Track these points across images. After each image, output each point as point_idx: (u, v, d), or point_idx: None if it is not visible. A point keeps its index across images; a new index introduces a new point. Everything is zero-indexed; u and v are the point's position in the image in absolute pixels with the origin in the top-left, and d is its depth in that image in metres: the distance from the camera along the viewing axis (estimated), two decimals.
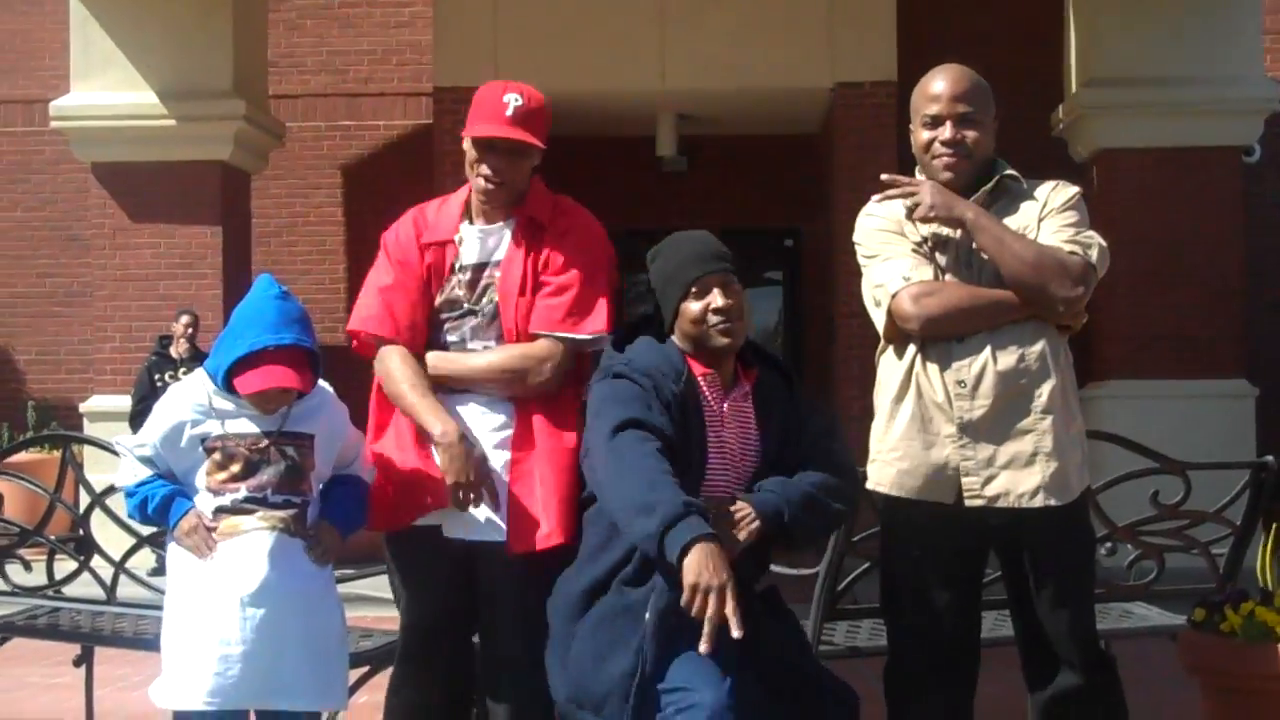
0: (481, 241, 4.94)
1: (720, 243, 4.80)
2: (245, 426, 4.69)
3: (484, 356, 4.85)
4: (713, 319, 4.65)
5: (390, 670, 5.19)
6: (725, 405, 4.70)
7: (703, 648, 4.15)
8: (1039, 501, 4.62)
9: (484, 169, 4.85)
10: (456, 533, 4.84)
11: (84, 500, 6.60)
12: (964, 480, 4.67)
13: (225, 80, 12.71)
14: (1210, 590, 5.76)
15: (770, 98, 14.56)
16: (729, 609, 4.15)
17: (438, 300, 4.93)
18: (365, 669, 5.88)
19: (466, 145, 4.90)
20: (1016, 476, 4.64)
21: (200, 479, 4.69)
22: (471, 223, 4.98)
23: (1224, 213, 12.46)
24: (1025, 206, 4.83)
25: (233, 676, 4.56)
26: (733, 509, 4.52)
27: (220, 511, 4.65)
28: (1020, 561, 4.77)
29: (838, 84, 14.26)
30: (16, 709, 7.81)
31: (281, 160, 15.29)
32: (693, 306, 4.67)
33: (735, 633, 4.15)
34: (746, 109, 15.00)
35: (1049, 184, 4.92)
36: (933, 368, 4.69)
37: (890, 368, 4.83)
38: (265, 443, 4.69)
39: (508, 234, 4.93)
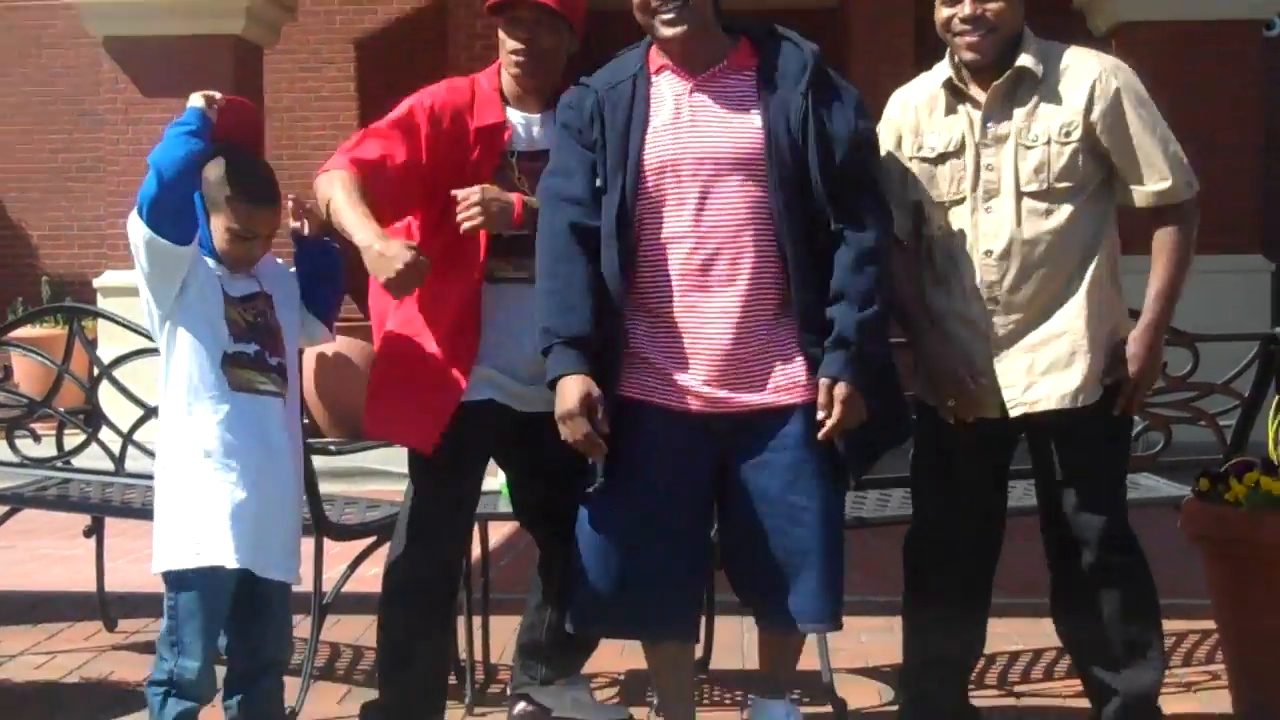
0: (533, 128, 4.81)
1: None
2: (242, 288, 4.63)
3: None
4: (653, 4, 4.42)
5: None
6: (689, 95, 4.45)
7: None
8: (1081, 401, 4.61)
9: (509, 43, 4.74)
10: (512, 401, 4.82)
11: (94, 373, 6.62)
12: (1005, 391, 4.66)
13: None
14: (1217, 461, 5.75)
15: None
16: (581, 434, 4.32)
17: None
18: (372, 539, 5.90)
19: (500, 33, 4.79)
20: (1056, 380, 4.62)
21: (219, 317, 4.51)
22: (512, 107, 4.83)
23: (1244, 86, 12.33)
24: (1063, 97, 4.61)
25: (239, 538, 4.51)
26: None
27: (236, 359, 4.58)
28: (1051, 450, 4.74)
29: None
30: (30, 580, 7.89)
31: (293, 35, 15.16)
32: None
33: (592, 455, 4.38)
34: None
35: (1082, 63, 4.67)
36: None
37: None
38: (261, 303, 4.65)
39: (549, 126, 4.77)
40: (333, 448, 7.47)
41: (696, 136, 4.40)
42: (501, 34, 4.78)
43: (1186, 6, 12.13)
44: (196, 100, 4.49)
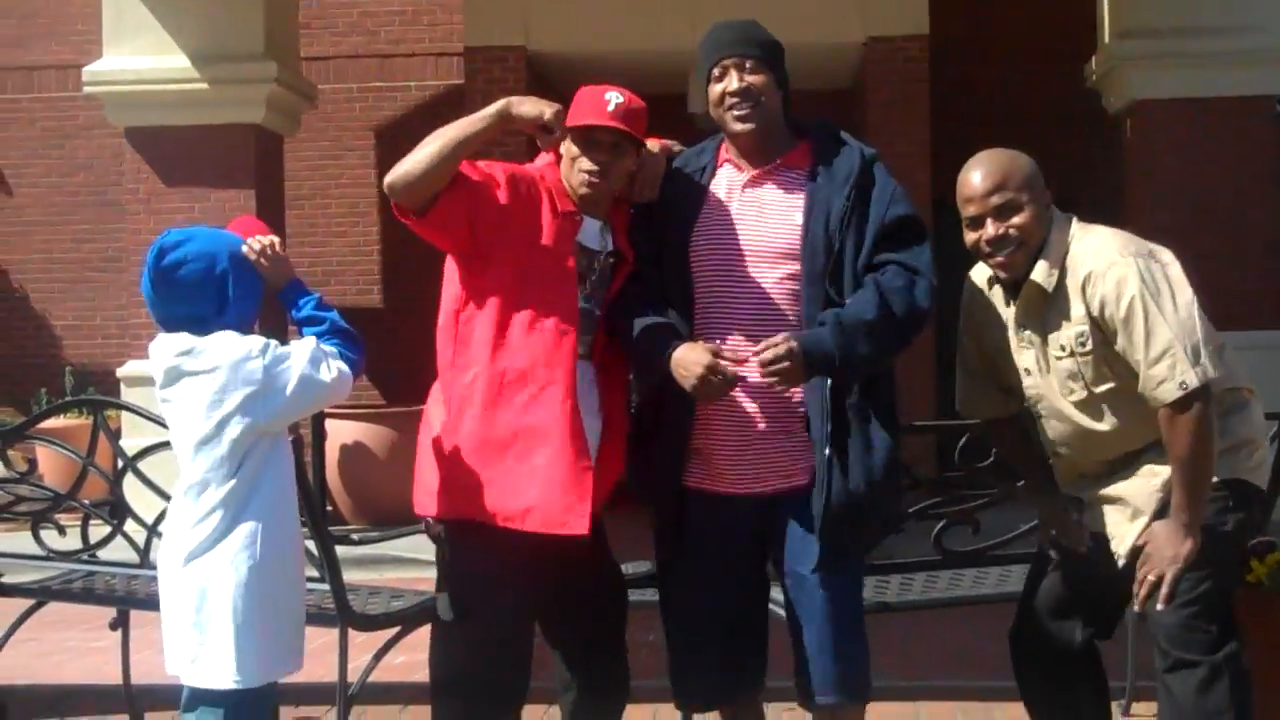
0: (597, 232, 4.81)
1: (755, 28, 4.76)
2: None
3: None
4: (728, 101, 4.66)
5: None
6: (741, 190, 4.70)
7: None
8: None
9: (585, 163, 4.71)
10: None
11: (119, 465, 6.66)
12: (1112, 544, 4.73)
13: (257, 43, 12.69)
14: None
15: (801, 53, 14.24)
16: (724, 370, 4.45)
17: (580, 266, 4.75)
18: (397, 629, 5.92)
19: (565, 145, 4.78)
20: (1140, 523, 4.67)
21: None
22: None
23: (1257, 162, 12.37)
24: (1072, 307, 4.62)
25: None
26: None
27: None
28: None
29: (869, 38, 14.22)
30: (58, 672, 7.89)
31: (314, 123, 15.28)
32: (714, 90, 4.70)
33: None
34: None
35: (1081, 266, 4.61)
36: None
37: None
38: None
39: (609, 234, 4.83)
40: (355, 537, 7.49)
41: (740, 228, 4.66)
42: (574, 149, 4.75)
43: (1199, 84, 12.19)
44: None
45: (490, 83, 14.19)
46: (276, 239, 4.74)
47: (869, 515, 4.61)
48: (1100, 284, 4.53)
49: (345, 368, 4.58)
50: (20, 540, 6.86)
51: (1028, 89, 15.12)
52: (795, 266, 4.58)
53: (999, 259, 4.66)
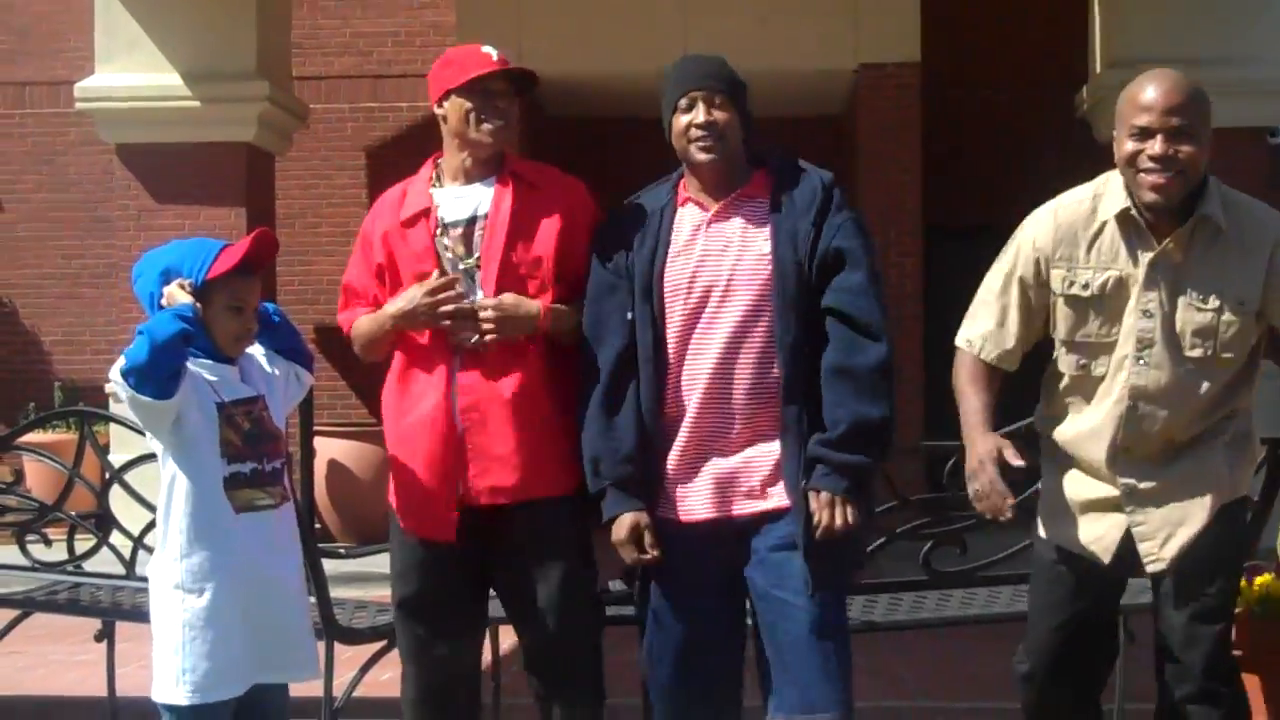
0: (462, 198, 4.91)
1: (724, 65, 4.79)
2: (239, 391, 4.64)
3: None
4: (693, 134, 4.68)
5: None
6: (706, 227, 4.70)
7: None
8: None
9: (486, 114, 4.83)
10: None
11: (106, 477, 6.64)
12: (1141, 545, 4.54)
13: (249, 61, 12.68)
14: None
15: (793, 79, 14.45)
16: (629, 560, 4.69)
17: (435, 274, 4.87)
18: (383, 643, 5.90)
19: (450, 108, 4.90)
20: (1189, 529, 4.51)
21: (215, 443, 4.53)
22: (443, 187, 4.98)
23: (1250, 192, 12.31)
24: (1243, 263, 4.46)
25: (255, 658, 4.55)
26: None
27: (234, 480, 4.57)
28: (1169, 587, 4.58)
29: (861, 65, 14.24)
30: (43, 685, 7.88)
31: (305, 142, 15.29)
32: (679, 121, 4.71)
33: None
34: (769, 90, 14.75)
35: (1263, 226, 4.53)
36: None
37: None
38: (259, 407, 4.67)
39: (491, 190, 4.90)
40: (343, 551, 7.49)
41: (706, 263, 4.68)
42: (466, 103, 4.86)
43: None
44: (185, 298, 4.50)
45: None
46: (185, 281, 4.56)
47: (845, 550, 4.62)
48: None
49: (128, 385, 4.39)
50: (6, 551, 6.83)
51: (1019, 116, 15.17)
52: (766, 295, 4.60)
53: (1157, 179, 4.38)
